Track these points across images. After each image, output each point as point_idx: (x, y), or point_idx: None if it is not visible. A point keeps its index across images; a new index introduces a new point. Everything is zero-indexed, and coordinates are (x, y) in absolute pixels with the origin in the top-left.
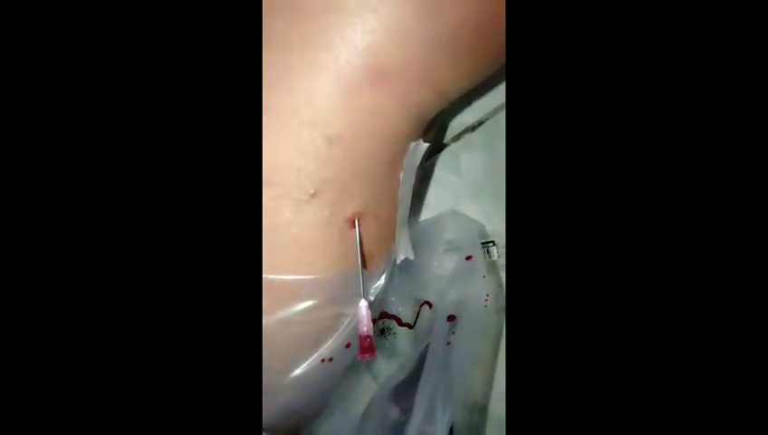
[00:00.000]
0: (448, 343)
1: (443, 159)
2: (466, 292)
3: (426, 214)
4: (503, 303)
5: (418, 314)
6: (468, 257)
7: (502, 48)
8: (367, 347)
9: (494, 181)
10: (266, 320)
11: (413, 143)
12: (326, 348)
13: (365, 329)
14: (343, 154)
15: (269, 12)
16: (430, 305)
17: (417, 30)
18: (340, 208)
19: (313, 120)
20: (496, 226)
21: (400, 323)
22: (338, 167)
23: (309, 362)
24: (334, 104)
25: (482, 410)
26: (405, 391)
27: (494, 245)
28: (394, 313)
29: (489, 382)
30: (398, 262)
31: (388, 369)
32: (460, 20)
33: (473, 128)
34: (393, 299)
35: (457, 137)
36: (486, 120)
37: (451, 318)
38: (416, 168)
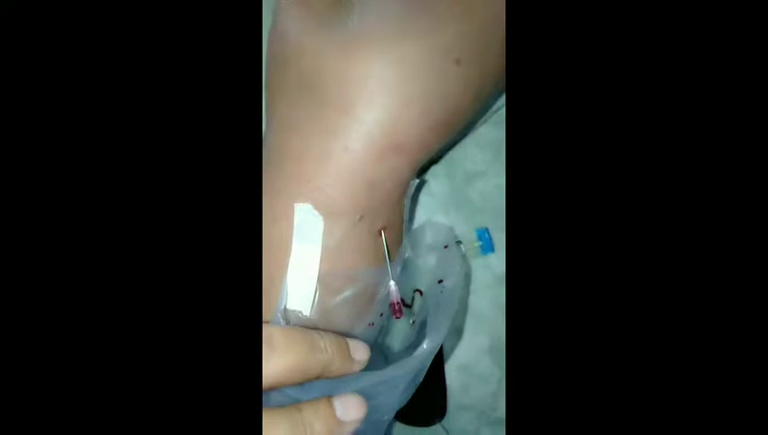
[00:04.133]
0: (441, 292)
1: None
2: (447, 264)
3: (414, 224)
4: (468, 270)
5: (413, 298)
6: (446, 247)
7: (465, 124)
8: (397, 310)
9: (454, 198)
10: (331, 300)
11: (411, 181)
12: (370, 316)
13: (395, 299)
14: (377, 194)
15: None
16: (421, 293)
17: (420, 118)
18: (374, 225)
19: (360, 174)
20: (459, 230)
21: (404, 304)
22: (374, 201)
23: (361, 326)
24: (374, 164)
25: (457, 332)
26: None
27: (460, 243)
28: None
29: (463, 314)
30: (405, 257)
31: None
32: (448, 111)
33: (435, 162)
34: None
35: (427, 170)
36: (444, 156)
37: (440, 281)
38: (411, 196)
